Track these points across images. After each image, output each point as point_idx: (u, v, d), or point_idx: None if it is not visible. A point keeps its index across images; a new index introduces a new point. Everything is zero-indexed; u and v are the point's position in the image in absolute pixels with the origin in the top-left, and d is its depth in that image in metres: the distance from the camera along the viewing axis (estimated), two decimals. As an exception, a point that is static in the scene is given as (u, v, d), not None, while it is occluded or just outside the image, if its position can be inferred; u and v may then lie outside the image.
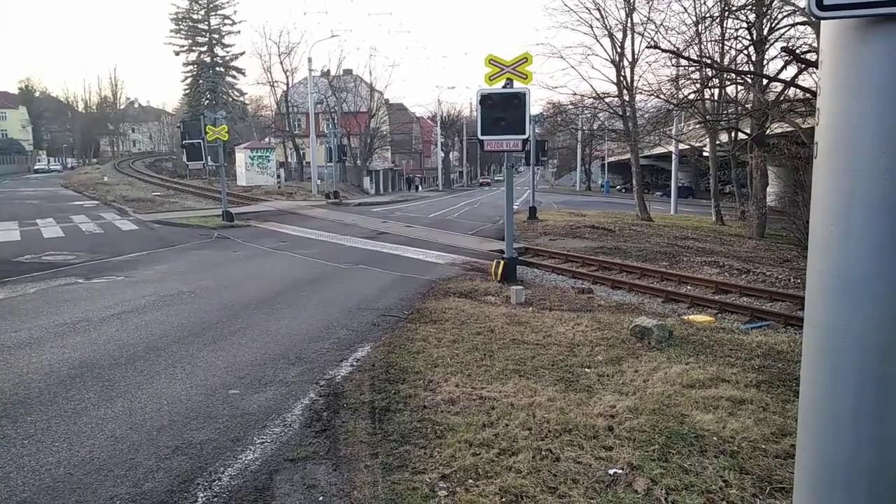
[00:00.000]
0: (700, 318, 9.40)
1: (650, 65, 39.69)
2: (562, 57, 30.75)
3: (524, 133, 11.03)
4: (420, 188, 70.93)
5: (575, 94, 32.51)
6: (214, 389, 5.67)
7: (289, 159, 59.06)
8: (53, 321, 8.13)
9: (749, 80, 23.38)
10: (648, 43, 25.13)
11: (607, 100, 30.71)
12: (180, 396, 5.48)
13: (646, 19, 28.20)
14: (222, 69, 64.58)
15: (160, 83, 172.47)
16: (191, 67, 64.57)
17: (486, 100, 10.86)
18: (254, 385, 5.81)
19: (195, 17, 63.11)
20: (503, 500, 3.65)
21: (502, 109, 10.79)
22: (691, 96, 25.98)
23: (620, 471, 3.96)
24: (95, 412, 5.09)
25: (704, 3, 24.18)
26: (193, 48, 63.94)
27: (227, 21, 63.66)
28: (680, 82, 26.26)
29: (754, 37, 22.67)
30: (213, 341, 7.31)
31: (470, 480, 3.87)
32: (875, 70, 1.82)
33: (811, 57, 17.03)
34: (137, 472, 4.09)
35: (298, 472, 4.09)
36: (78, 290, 10.35)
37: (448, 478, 3.91)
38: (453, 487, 3.80)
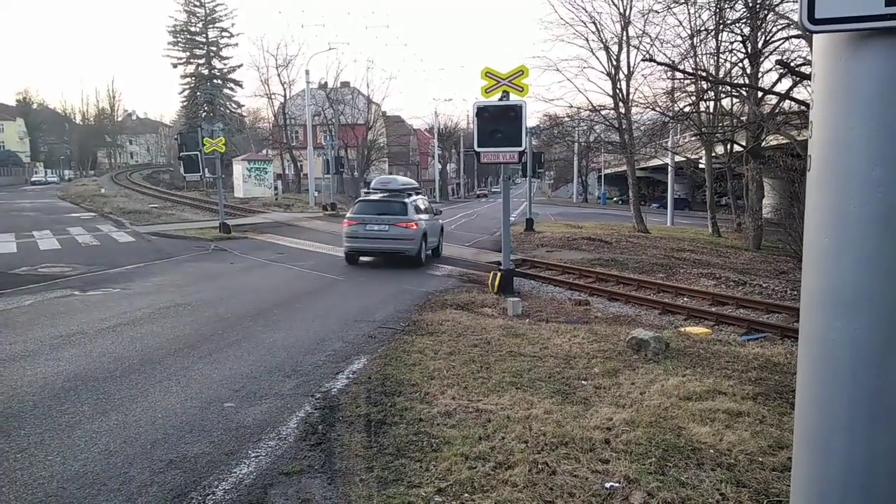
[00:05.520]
0: (697, 329, 9.40)
1: (646, 77, 40.05)
2: (558, 70, 30.76)
3: (520, 145, 11.07)
4: None
5: (571, 106, 32.57)
6: (209, 402, 5.64)
7: (286, 171, 59.14)
8: (48, 333, 8.09)
9: (744, 93, 23.55)
10: (644, 56, 25.40)
11: (603, 112, 30.86)
12: (175, 409, 5.45)
13: (641, 33, 28.28)
14: (220, 81, 64.85)
15: (158, 95, 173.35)
16: (188, 79, 64.89)
17: (482, 112, 10.90)
18: (249, 398, 5.78)
19: (193, 29, 63.50)
20: (499, 513, 3.63)
21: (499, 122, 10.83)
22: (687, 109, 26.20)
23: (617, 484, 3.94)
24: (89, 425, 5.05)
25: (699, 16, 24.40)
26: (191, 60, 64.29)
27: (224, 34, 64.14)
28: (675, 95, 26.52)
29: (749, 50, 22.88)
30: (209, 354, 7.28)
31: (466, 494, 3.84)
32: (867, 83, 1.84)
33: (806, 70, 17.17)
34: (131, 486, 4.05)
35: (293, 486, 4.06)
36: (73, 303, 10.31)
37: (444, 491, 3.88)
38: (449, 501, 3.78)
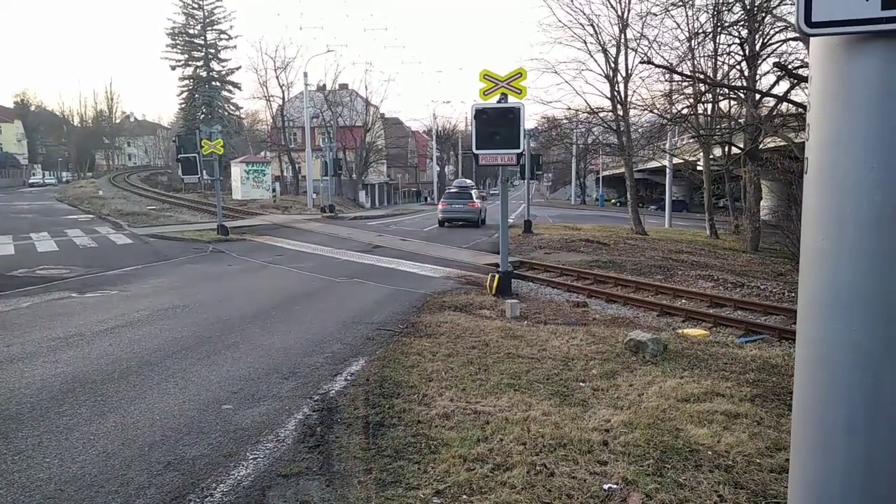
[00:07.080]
0: (695, 331, 9.41)
1: (644, 80, 39.84)
2: (556, 72, 30.77)
3: (519, 147, 11.06)
4: (429, 199, 71.83)
5: (569, 108, 32.47)
6: (207, 404, 5.64)
7: (284, 173, 59.12)
8: (46, 335, 8.08)
9: (742, 95, 23.59)
10: (642, 58, 25.34)
11: (601, 114, 30.84)
12: (173, 412, 5.44)
13: (639, 35, 28.21)
14: (218, 83, 64.81)
15: (156, 97, 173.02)
16: (187, 82, 64.85)
17: (480, 114, 10.91)
18: (247, 400, 5.77)
19: (191, 31, 63.47)
20: (498, 515, 3.63)
21: (497, 124, 10.83)
22: (685, 111, 26.21)
23: (615, 486, 3.94)
24: (87, 428, 5.05)
25: (697, 19, 24.35)
26: (189, 63, 64.25)
27: (223, 36, 64.10)
28: (673, 97, 26.48)
29: (747, 52, 22.90)
30: (207, 356, 7.27)
31: (464, 496, 3.84)
32: (864, 86, 1.84)
33: (803, 72, 17.21)
34: (129, 488, 4.05)
35: (291, 488, 4.05)
36: (71, 305, 10.30)
37: (442, 493, 3.88)
38: (447, 503, 3.78)
